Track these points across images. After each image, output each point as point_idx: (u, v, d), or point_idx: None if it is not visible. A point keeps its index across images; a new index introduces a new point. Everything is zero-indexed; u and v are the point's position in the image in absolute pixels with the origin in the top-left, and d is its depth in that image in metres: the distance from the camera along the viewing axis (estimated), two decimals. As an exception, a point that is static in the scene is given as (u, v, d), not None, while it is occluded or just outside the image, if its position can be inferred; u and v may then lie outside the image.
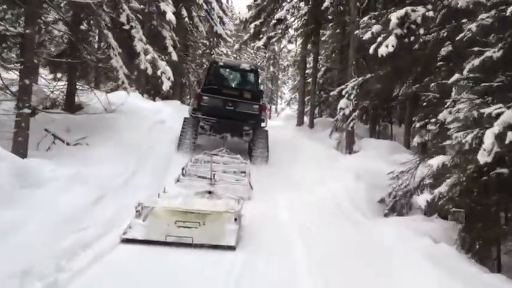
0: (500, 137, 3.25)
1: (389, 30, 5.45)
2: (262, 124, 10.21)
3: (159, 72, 14.52)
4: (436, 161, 4.29)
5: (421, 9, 5.51)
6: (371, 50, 5.89)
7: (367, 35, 6.11)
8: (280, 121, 33.51)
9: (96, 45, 13.67)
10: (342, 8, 13.22)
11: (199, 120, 9.95)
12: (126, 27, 8.56)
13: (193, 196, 5.48)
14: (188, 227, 4.24)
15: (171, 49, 15.33)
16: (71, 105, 10.35)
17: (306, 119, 17.93)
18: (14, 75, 7.25)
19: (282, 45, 28.76)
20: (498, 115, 3.40)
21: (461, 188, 4.29)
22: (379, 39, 5.64)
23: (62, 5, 10.19)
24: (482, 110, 3.63)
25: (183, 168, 7.07)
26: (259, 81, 11.57)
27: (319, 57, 17.16)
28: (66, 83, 10.29)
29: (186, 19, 17.27)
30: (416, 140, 8.29)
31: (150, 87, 18.05)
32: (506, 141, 3.22)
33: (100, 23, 8.96)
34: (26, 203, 4.26)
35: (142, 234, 4.25)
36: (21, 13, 7.76)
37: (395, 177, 6.60)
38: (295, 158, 10.14)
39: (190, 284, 3.57)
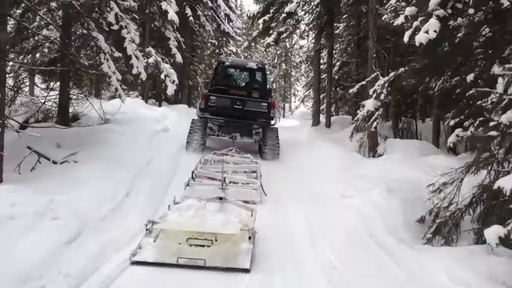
0: None
1: (428, 11, 4.33)
2: (272, 122, 9.98)
3: (162, 76, 13.64)
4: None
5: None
6: (405, 38, 4.77)
7: (399, 20, 4.98)
8: (295, 120, 32.37)
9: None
10: (357, -4, 12.05)
11: (207, 121, 9.76)
12: (115, 27, 7.53)
13: (204, 206, 4.93)
14: (201, 245, 4.01)
15: (175, 50, 14.41)
16: (65, 117, 9.42)
17: (322, 117, 16.81)
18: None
19: (293, 41, 27.57)
20: None
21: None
22: (415, 23, 4.51)
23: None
24: None
25: (192, 172, 6.72)
26: (267, 79, 11.38)
27: (334, 51, 15.97)
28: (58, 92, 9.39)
29: (191, 18, 16.27)
30: (451, 140, 7.10)
31: (156, 92, 17.12)
32: None
33: (89, 24, 7.99)
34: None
35: (153, 256, 4.02)
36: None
37: (437, 190, 5.47)
38: (312, 164, 9.09)
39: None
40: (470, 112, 6.58)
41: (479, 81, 5.96)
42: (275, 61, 37.71)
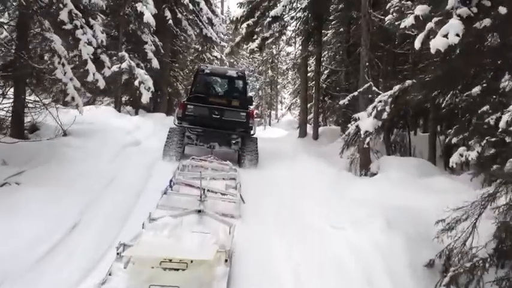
0: None
1: (446, 10, 3.39)
2: (251, 132, 9.89)
3: (136, 83, 12.57)
4: None
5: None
6: (417, 44, 3.80)
7: (408, 22, 4.01)
8: (281, 129, 31.52)
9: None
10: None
11: (185, 130, 9.63)
12: (68, 26, 6.47)
13: (181, 223, 4.87)
14: (175, 269, 3.61)
15: (151, 55, 13.36)
16: (20, 128, 8.33)
17: (309, 128, 15.88)
18: None
19: (279, 47, 26.71)
20: None
21: None
22: (429, 25, 3.56)
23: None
24: None
25: (171, 180, 6.41)
26: (247, 87, 11.39)
27: (322, 58, 15.07)
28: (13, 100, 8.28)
29: (171, 22, 15.23)
30: (454, 161, 6.18)
31: (133, 100, 16.00)
32: None
33: (42, 24, 6.92)
34: None
35: (124, 284, 3.63)
36: None
37: (448, 228, 4.53)
38: (297, 183, 8.09)
39: None
40: (477, 130, 5.72)
41: (487, 95, 5.10)
42: (261, 68, 36.90)
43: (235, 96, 10.54)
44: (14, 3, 7.92)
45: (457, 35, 3.18)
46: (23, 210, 4.79)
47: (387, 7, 5.54)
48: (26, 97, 8.35)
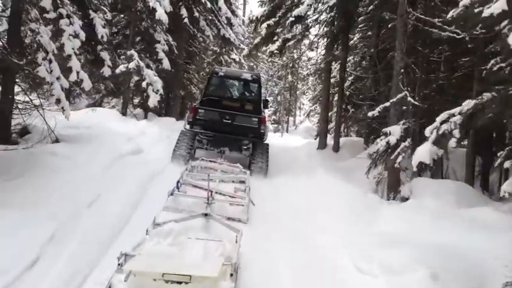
0: None
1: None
2: (262, 138, 9.72)
3: (144, 84, 11.63)
4: None
5: None
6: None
7: (497, 5, 2.85)
8: (299, 136, 30.32)
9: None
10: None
11: (196, 133, 9.54)
12: (51, 15, 5.50)
13: (186, 230, 4.68)
14: (178, 282, 3.38)
15: (162, 55, 12.39)
16: (6, 131, 7.42)
17: (329, 138, 14.71)
18: None
19: (301, 51, 25.61)
20: None
21: None
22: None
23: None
24: None
25: (178, 181, 6.32)
26: (262, 91, 11.16)
27: (347, 64, 13.88)
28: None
29: (186, 20, 14.27)
30: (508, 190, 4.99)
31: (142, 103, 15.08)
32: None
33: (29, 13, 5.98)
34: None
35: None
36: None
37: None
38: (314, 207, 6.99)
39: None
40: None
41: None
42: (280, 72, 35.83)
43: (249, 100, 10.46)
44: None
45: None
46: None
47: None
48: (16, 97, 7.48)
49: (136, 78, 13.15)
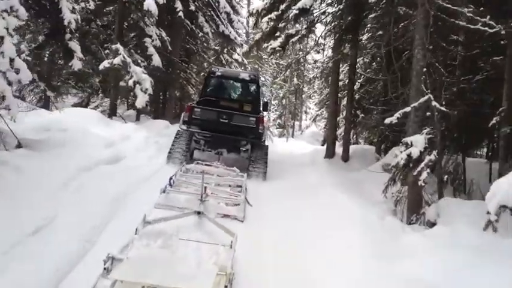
0: None
1: None
2: (261, 138, 9.36)
3: (131, 82, 10.40)
4: None
5: None
6: None
7: None
8: (304, 141, 29.03)
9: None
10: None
11: (193, 133, 9.27)
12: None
13: (177, 231, 4.44)
14: None
15: (152, 50, 11.20)
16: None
17: (337, 146, 13.42)
18: None
19: (306, 51, 24.40)
20: None
21: None
22: None
23: None
24: None
25: (170, 178, 6.32)
26: (261, 91, 11.27)
27: (356, 65, 12.57)
28: None
29: (181, 14, 13.05)
30: None
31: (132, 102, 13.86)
32: None
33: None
34: None
35: None
36: None
37: None
38: (319, 236, 5.64)
39: None
40: None
41: None
42: (285, 74, 34.56)
43: (248, 100, 10.21)
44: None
45: None
46: None
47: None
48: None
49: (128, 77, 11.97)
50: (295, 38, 10.70)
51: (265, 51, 15.12)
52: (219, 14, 15.56)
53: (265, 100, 13.94)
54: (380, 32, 13.45)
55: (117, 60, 9.99)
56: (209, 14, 15.61)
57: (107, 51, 10.52)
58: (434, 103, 6.26)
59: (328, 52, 27.08)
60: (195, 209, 5.04)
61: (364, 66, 14.16)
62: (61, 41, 6.15)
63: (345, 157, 11.74)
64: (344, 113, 15.80)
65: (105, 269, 3.41)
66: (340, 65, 12.88)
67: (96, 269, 3.44)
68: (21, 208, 4.51)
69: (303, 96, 38.59)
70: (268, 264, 4.58)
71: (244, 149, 9.53)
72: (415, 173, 6.09)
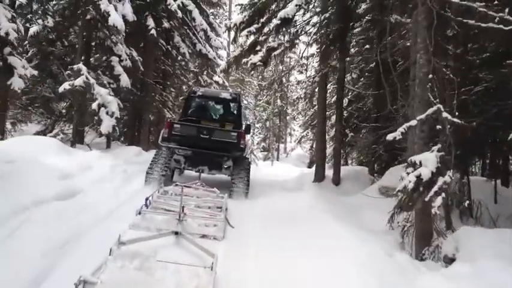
0: None
1: None
2: (243, 154, 9.16)
3: (95, 105, 9.28)
4: None
5: None
6: None
7: None
8: (290, 164, 28.01)
9: None
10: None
11: (173, 151, 9.03)
12: None
13: (154, 252, 4.15)
14: None
15: (119, 70, 10.15)
16: None
17: (327, 167, 12.36)
18: None
19: (290, 65, 23.63)
20: None
21: None
22: None
23: None
24: None
25: (147, 199, 6.08)
26: (242, 111, 11.16)
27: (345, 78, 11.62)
28: None
29: (153, 32, 12.06)
30: None
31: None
32: None
33: None
34: None
35: None
36: None
37: None
38: (320, 279, 4.54)
39: None
40: None
41: None
42: (269, 94, 33.81)
43: (229, 120, 10.23)
44: None
45: None
46: None
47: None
48: None
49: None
50: (278, 52, 9.74)
51: (246, 69, 14.14)
52: (195, 32, 14.63)
53: (248, 123, 13.73)
54: (367, 46, 12.67)
55: (78, 82, 8.89)
56: (185, 32, 14.66)
57: (68, 72, 9.41)
58: (445, 114, 5.27)
59: (312, 72, 26.49)
60: (173, 229, 4.86)
61: (352, 82, 13.28)
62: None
63: (336, 180, 10.69)
64: (332, 132, 14.87)
65: None
66: (327, 81, 11.93)
67: None
68: None
69: (287, 118, 37.78)
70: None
71: (226, 166, 9.23)
72: (427, 198, 5.05)
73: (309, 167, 28.36)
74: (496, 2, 5.81)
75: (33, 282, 3.73)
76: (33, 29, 10.20)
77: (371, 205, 8.02)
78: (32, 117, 11.99)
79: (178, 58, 16.13)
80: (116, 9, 9.66)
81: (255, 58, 9.75)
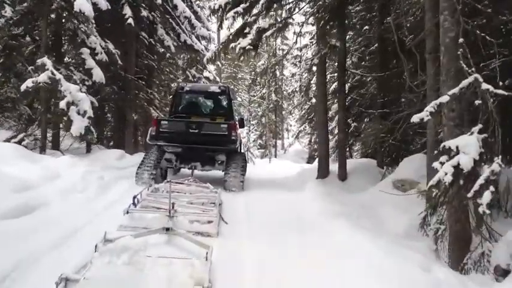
0: None
1: None
2: (235, 146, 8.77)
3: (63, 104, 8.08)
4: None
5: None
6: None
7: None
8: (288, 160, 26.88)
9: None
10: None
11: (164, 150, 8.74)
12: None
13: (145, 247, 3.77)
14: None
15: (91, 63, 8.98)
16: None
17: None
18: None
19: (284, 48, 22.41)
20: None
21: None
22: None
23: None
24: None
25: (134, 197, 5.77)
26: (233, 104, 10.55)
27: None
28: None
29: (131, 21, 10.87)
30: None
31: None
32: None
33: None
34: None
35: None
36: None
37: None
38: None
39: None
40: None
41: None
42: (263, 91, 32.74)
43: (220, 114, 9.99)
44: None
45: None
46: None
47: None
48: None
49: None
50: (269, 33, 8.55)
51: (235, 57, 12.92)
52: (179, 22, 13.44)
53: (241, 117, 13.58)
54: (366, 27, 11.55)
55: (42, 78, 7.73)
56: (168, 22, 13.44)
57: (31, 67, 8.22)
58: (485, 85, 4.13)
59: (306, 64, 25.36)
60: (164, 225, 4.62)
61: (353, 66, 12.13)
62: None
63: (343, 175, 9.55)
64: (333, 123, 13.76)
65: None
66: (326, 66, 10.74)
67: None
68: None
69: (283, 112, 36.63)
70: None
71: (219, 161, 8.93)
72: (470, 194, 3.93)
73: (308, 162, 27.24)
74: None
75: None
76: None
77: (386, 202, 6.89)
78: (2, 122, 10.81)
79: (163, 52, 14.93)
80: (82, -7, 8.46)
81: (244, 42, 8.58)
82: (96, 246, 3.86)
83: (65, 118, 7.89)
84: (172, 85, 18.17)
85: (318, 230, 5.54)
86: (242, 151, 9.39)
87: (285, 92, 34.16)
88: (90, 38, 9.84)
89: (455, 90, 4.34)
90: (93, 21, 8.85)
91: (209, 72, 19.92)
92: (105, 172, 8.03)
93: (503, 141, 4.40)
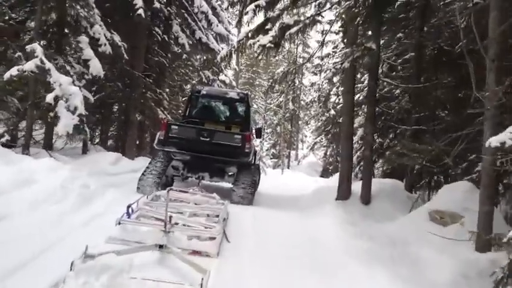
0: None
1: None
2: (248, 159, 8.18)
3: (49, 97, 6.99)
4: None
5: None
6: None
7: None
8: (302, 172, 25.70)
9: None
10: None
11: (171, 157, 8.34)
12: None
13: (130, 266, 3.64)
14: None
15: (89, 53, 8.01)
16: None
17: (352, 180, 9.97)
18: None
19: (305, 56, 21.29)
20: None
21: None
22: None
23: None
24: None
25: (129, 206, 5.13)
26: (251, 112, 10.03)
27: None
28: None
29: (141, 12, 9.86)
30: None
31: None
32: None
33: None
34: None
35: None
36: None
37: None
38: None
39: None
40: None
41: None
42: (281, 100, 31.67)
43: (236, 122, 9.70)
44: None
45: None
46: None
47: None
48: None
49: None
50: (294, 30, 7.41)
51: (252, 56, 11.77)
52: (195, 18, 12.40)
53: (258, 127, 12.72)
54: (401, 34, 10.40)
55: (29, 66, 6.70)
56: (182, 17, 12.41)
57: (19, 53, 7.21)
58: None
59: (327, 74, 24.28)
60: (158, 242, 4.09)
61: (383, 75, 10.94)
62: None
63: (366, 197, 8.30)
64: (355, 137, 12.56)
65: None
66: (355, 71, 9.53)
67: None
68: None
69: (299, 123, 35.46)
70: None
71: (229, 174, 8.49)
72: None
73: (322, 176, 26.07)
74: None
75: None
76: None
77: (423, 239, 5.68)
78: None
79: (179, 51, 13.92)
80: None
81: (265, 39, 7.46)
82: (72, 263, 3.39)
83: (51, 114, 6.82)
84: (186, 86, 17.20)
85: (342, 275, 4.36)
86: (257, 164, 8.99)
87: (302, 102, 33.08)
88: (94, 28, 8.85)
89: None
90: (94, 5, 7.84)
91: (225, 76, 18.90)
92: (92, 179, 6.94)
93: None
